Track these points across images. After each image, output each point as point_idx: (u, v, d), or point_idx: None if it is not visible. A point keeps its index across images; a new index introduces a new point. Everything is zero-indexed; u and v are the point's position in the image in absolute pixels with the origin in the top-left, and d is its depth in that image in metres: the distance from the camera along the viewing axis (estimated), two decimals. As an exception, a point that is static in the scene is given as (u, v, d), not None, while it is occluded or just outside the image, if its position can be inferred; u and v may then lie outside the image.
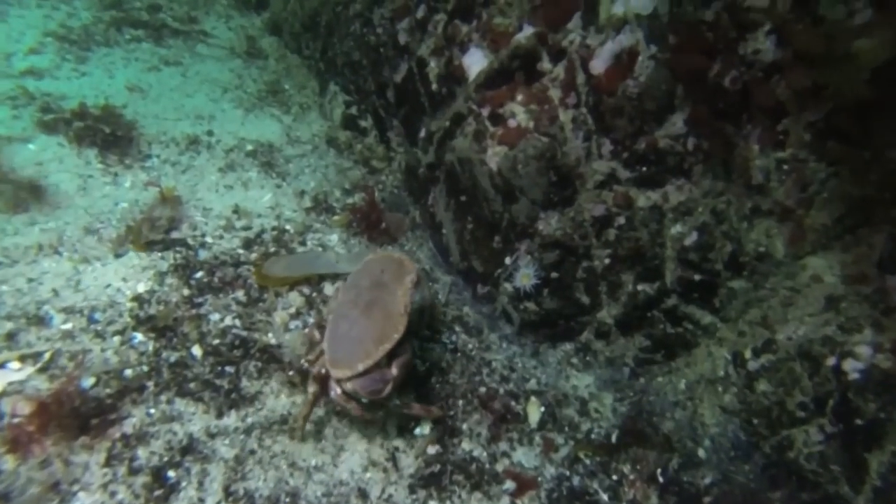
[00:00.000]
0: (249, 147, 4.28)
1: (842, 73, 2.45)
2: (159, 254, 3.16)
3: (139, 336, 2.64)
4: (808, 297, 2.72)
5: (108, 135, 3.95)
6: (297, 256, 3.30)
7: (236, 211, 3.64)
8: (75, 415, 2.08)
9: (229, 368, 2.63)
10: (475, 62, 3.15)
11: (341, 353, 2.35)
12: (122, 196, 3.62)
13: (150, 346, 2.61)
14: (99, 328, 2.63)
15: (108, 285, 2.89)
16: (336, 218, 3.72)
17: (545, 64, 2.92)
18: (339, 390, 2.35)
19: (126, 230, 3.23)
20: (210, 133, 4.36)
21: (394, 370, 2.34)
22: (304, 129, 4.70)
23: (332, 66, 4.94)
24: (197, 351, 2.65)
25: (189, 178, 3.93)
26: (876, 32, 2.39)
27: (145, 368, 2.50)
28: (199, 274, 3.06)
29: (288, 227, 3.57)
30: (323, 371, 2.40)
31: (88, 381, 2.34)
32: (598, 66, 2.75)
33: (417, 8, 3.67)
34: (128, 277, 2.95)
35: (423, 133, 3.55)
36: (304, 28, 5.53)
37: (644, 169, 2.80)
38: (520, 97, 2.92)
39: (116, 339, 2.60)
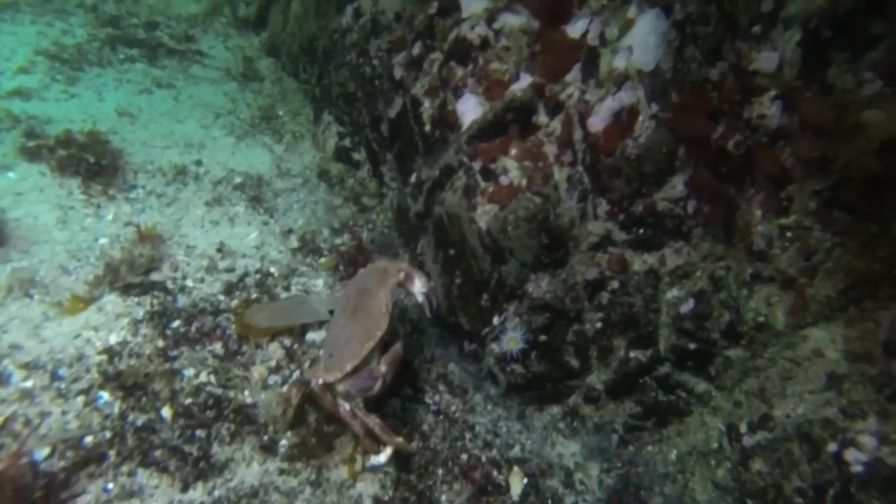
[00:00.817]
0: (238, 179, 4.16)
1: (851, 145, 2.32)
2: (136, 298, 3.04)
3: (105, 395, 2.51)
4: (809, 371, 2.60)
5: (93, 164, 3.83)
6: (280, 304, 3.18)
7: (220, 250, 3.51)
8: (19, 499, 1.93)
9: (200, 432, 2.50)
10: (469, 110, 3.03)
11: (333, 358, 2.47)
12: (102, 230, 3.50)
13: (116, 408, 2.47)
14: (62, 386, 2.50)
15: (78, 335, 2.77)
16: (322, 260, 3.60)
17: (541, 117, 2.80)
18: (347, 406, 2.41)
19: (104, 270, 3.11)
20: (199, 163, 4.24)
21: (382, 367, 2.42)
22: (296, 160, 4.58)
23: (327, 95, 4.83)
24: (167, 412, 2.52)
25: (174, 211, 3.81)
26: (886, 104, 2.28)
27: (108, 434, 2.36)
28: (176, 323, 2.94)
29: (272, 269, 3.45)
30: (321, 380, 2.43)
31: (42, 453, 2.20)
32: (597, 123, 2.64)
33: (413, 44, 3.56)
34: (99, 327, 2.83)
35: (413, 179, 3.43)
36: (302, 51, 5.43)
37: (641, 231, 2.68)
38: (513, 152, 2.80)
39: (80, 399, 2.47)
